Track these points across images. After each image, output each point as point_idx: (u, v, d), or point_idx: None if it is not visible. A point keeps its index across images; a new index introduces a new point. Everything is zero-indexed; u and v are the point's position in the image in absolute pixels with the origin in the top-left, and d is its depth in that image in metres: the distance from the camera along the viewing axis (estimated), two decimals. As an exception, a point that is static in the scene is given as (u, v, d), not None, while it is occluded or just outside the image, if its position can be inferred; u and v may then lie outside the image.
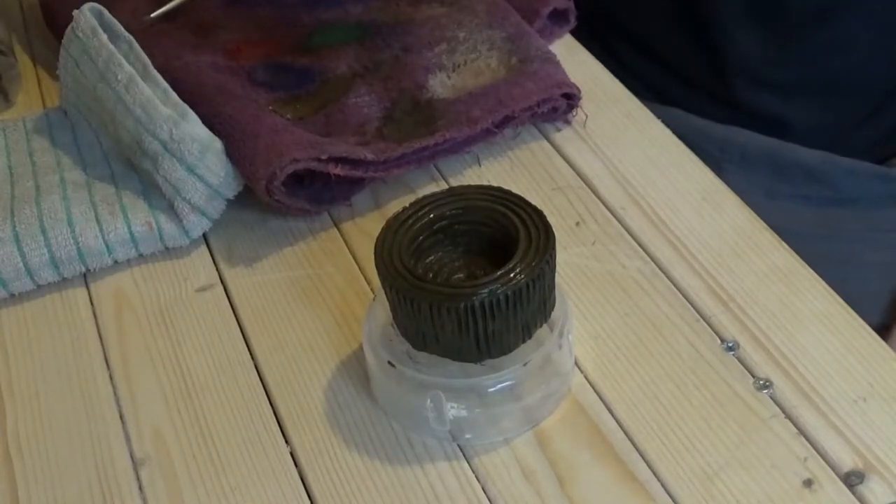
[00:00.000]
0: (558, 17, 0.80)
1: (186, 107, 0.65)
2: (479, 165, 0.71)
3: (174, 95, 0.66)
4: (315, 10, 0.79)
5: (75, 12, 0.70)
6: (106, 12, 0.70)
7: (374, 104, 0.70)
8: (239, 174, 0.65)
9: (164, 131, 0.64)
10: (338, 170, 0.64)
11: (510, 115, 0.70)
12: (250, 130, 0.65)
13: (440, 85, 0.71)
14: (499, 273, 0.50)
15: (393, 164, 0.67)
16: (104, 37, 0.69)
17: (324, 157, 0.64)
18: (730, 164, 0.83)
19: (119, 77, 0.66)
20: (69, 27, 0.70)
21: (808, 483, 0.51)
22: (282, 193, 0.64)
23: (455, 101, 0.70)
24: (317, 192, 0.67)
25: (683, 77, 0.87)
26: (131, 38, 0.69)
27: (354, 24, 0.77)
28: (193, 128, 0.64)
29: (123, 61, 0.67)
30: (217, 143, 0.64)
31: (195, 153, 0.64)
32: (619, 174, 0.69)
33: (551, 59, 0.73)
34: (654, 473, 0.52)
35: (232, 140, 0.65)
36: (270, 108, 0.69)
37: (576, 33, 0.81)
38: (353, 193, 0.69)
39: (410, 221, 0.54)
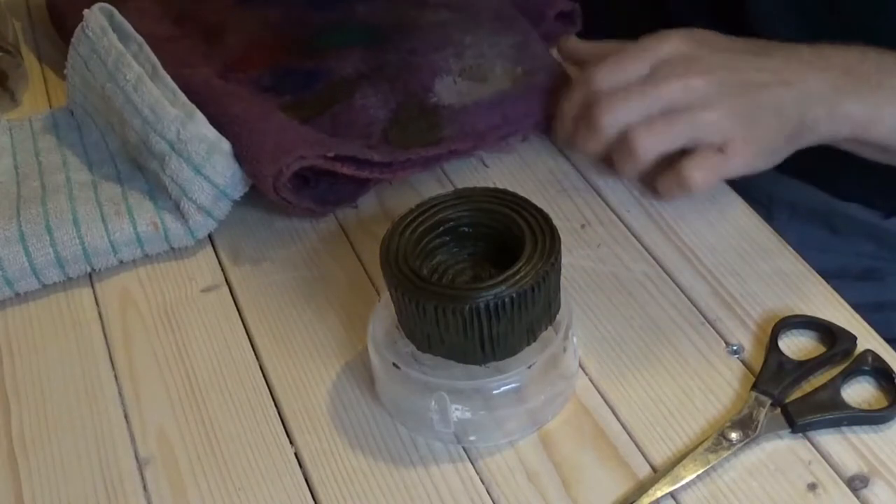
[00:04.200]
0: (564, 18, 0.80)
1: (194, 107, 0.65)
2: (486, 166, 0.71)
3: (182, 96, 0.66)
4: (322, 11, 0.79)
5: (86, 11, 0.71)
6: (116, 12, 0.71)
7: (380, 106, 0.70)
8: (245, 175, 0.65)
9: (172, 131, 0.64)
10: (344, 168, 0.64)
11: (515, 129, 0.71)
12: (257, 129, 0.65)
13: (446, 90, 0.71)
14: (504, 275, 0.50)
15: (399, 167, 0.67)
16: (114, 36, 0.69)
17: (330, 154, 0.64)
18: (780, 215, 0.82)
19: (128, 77, 0.67)
20: (79, 26, 0.71)
21: (812, 487, 0.51)
22: (288, 191, 0.64)
23: (461, 111, 0.70)
24: (322, 193, 0.67)
25: None
26: (140, 38, 0.69)
27: (360, 26, 0.77)
28: (201, 128, 0.64)
29: (132, 61, 0.67)
30: (224, 144, 0.65)
31: (202, 154, 0.64)
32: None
33: (557, 70, 0.73)
34: (659, 476, 0.52)
35: (239, 139, 0.65)
36: (279, 112, 0.69)
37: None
38: (359, 195, 0.69)
39: (416, 223, 0.54)
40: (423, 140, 0.68)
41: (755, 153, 0.64)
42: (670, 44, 0.65)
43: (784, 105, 0.64)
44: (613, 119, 0.64)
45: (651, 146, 0.63)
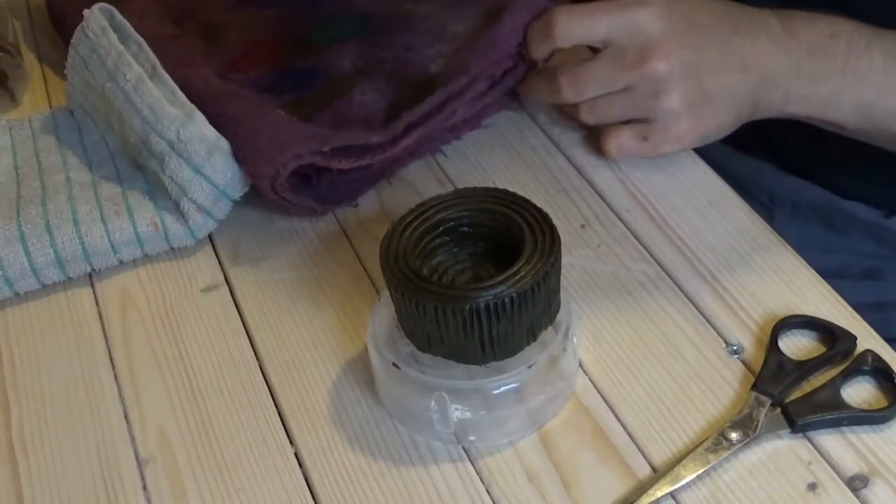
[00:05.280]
0: None
1: (194, 107, 0.65)
2: (484, 167, 0.71)
3: (182, 96, 0.66)
4: (318, 6, 0.79)
5: (86, 11, 0.70)
6: (116, 12, 0.70)
7: (378, 100, 0.70)
8: (245, 175, 0.65)
9: (172, 131, 0.64)
10: (342, 164, 0.64)
11: (505, 54, 0.69)
12: (254, 128, 0.65)
13: (441, 66, 0.71)
14: (504, 275, 0.50)
15: (401, 137, 0.66)
16: (114, 36, 0.69)
17: (326, 148, 0.63)
18: (781, 214, 0.83)
19: (128, 77, 0.67)
20: (79, 26, 0.71)
21: (812, 487, 0.51)
22: (286, 190, 0.64)
23: (452, 65, 0.70)
24: (323, 192, 0.67)
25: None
26: (140, 38, 0.69)
27: (356, 18, 0.77)
28: (200, 128, 0.64)
29: (132, 61, 0.67)
30: (224, 144, 0.64)
31: (202, 153, 0.64)
32: (623, 176, 0.69)
33: None
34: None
35: (236, 138, 0.65)
36: (279, 111, 0.69)
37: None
38: (360, 194, 0.69)
39: (416, 223, 0.54)
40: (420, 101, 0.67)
41: (698, 137, 0.67)
42: (647, 14, 0.64)
43: (739, 91, 0.65)
44: (574, 93, 0.67)
45: (593, 119, 0.68)
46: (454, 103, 0.68)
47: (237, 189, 0.66)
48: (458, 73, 0.68)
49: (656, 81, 0.64)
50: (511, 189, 0.55)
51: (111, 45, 0.68)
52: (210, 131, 0.65)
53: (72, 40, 0.71)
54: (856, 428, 0.53)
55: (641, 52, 0.64)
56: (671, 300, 0.61)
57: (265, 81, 0.73)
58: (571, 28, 0.65)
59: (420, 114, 0.67)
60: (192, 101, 0.66)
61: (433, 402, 0.52)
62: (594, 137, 0.72)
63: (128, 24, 0.70)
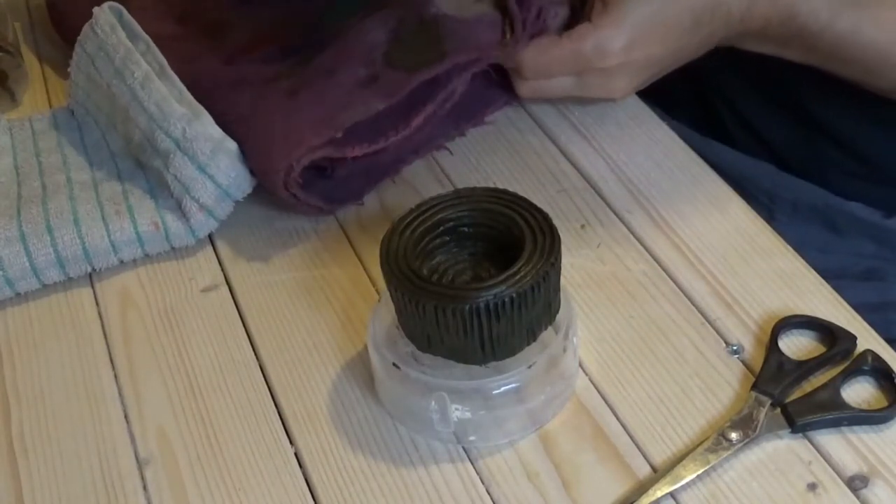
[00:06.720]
0: None
1: (201, 106, 0.65)
2: (485, 167, 0.71)
3: (189, 95, 0.66)
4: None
5: (96, 9, 0.70)
6: (125, 11, 0.71)
7: (378, 27, 0.68)
8: (249, 176, 0.65)
9: (178, 129, 0.64)
10: (355, 150, 0.64)
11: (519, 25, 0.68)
12: (265, 125, 0.64)
13: (446, 1, 0.69)
14: (504, 275, 0.50)
15: (412, 111, 0.65)
16: (123, 34, 0.69)
17: (338, 134, 0.63)
18: (781, 214, 0.83)
19: (135, 74, 0.67)
20: (87, 24, 0.71)
21: (812, 487, 0.51)
22: (297, 187, 0.63)
23: (462, 23, 0.68)
24: (331, 189, 0.67)
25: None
26: (148, 37, 0.69)
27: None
28: (206, 127, 0.64)
29: (140, 59, 0.67)
30: (229, 144, 0.64)
31: (207, 152, 0.64)
32: (624, 176, 0.69)
33: None
34: (659, 476, 0.52)
35: (248, 136, 0.64)
36: (284, 97, 0.68)
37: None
38: (367, 191, 0.69)
39: (416, 223, 0.54)
40: (426, 59, 0.66)
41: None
42: None
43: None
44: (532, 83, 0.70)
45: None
46: (461, 70, 0.66)
47: (240, 190, 0.66)
48: (470, 45, 0.66)
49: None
50: (511, 189, 0.55)
51: (120, 43, 0.68)
52: (216, 131, 0.64)
53: (79, 37, 0.71)
54: (856, 428, 0.53)
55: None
56: (671, 300, 0.61)
57: (275, 54, 0.72)
58: None
59: (427, 78, 0.65)
60: (200, 97, 0.65)
61: (433, 402, 0.52)
62: (595, 137, 0.73)
63: (136, 23, 0.70)
